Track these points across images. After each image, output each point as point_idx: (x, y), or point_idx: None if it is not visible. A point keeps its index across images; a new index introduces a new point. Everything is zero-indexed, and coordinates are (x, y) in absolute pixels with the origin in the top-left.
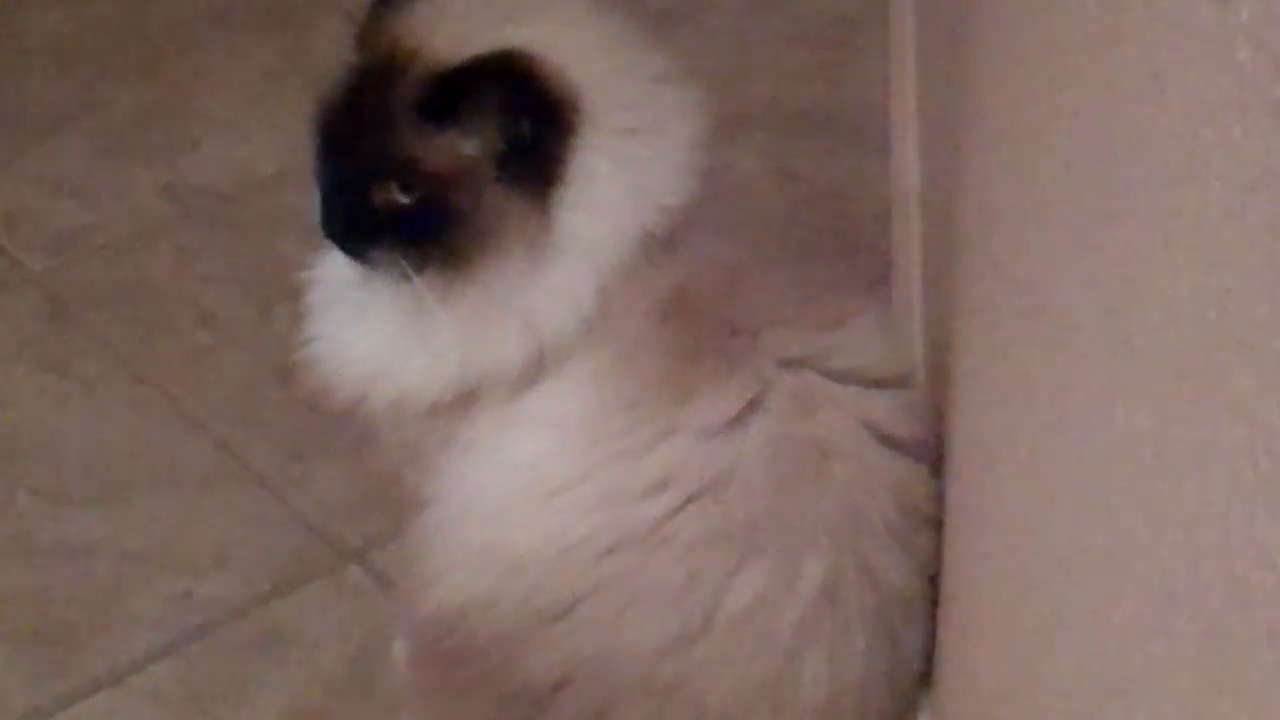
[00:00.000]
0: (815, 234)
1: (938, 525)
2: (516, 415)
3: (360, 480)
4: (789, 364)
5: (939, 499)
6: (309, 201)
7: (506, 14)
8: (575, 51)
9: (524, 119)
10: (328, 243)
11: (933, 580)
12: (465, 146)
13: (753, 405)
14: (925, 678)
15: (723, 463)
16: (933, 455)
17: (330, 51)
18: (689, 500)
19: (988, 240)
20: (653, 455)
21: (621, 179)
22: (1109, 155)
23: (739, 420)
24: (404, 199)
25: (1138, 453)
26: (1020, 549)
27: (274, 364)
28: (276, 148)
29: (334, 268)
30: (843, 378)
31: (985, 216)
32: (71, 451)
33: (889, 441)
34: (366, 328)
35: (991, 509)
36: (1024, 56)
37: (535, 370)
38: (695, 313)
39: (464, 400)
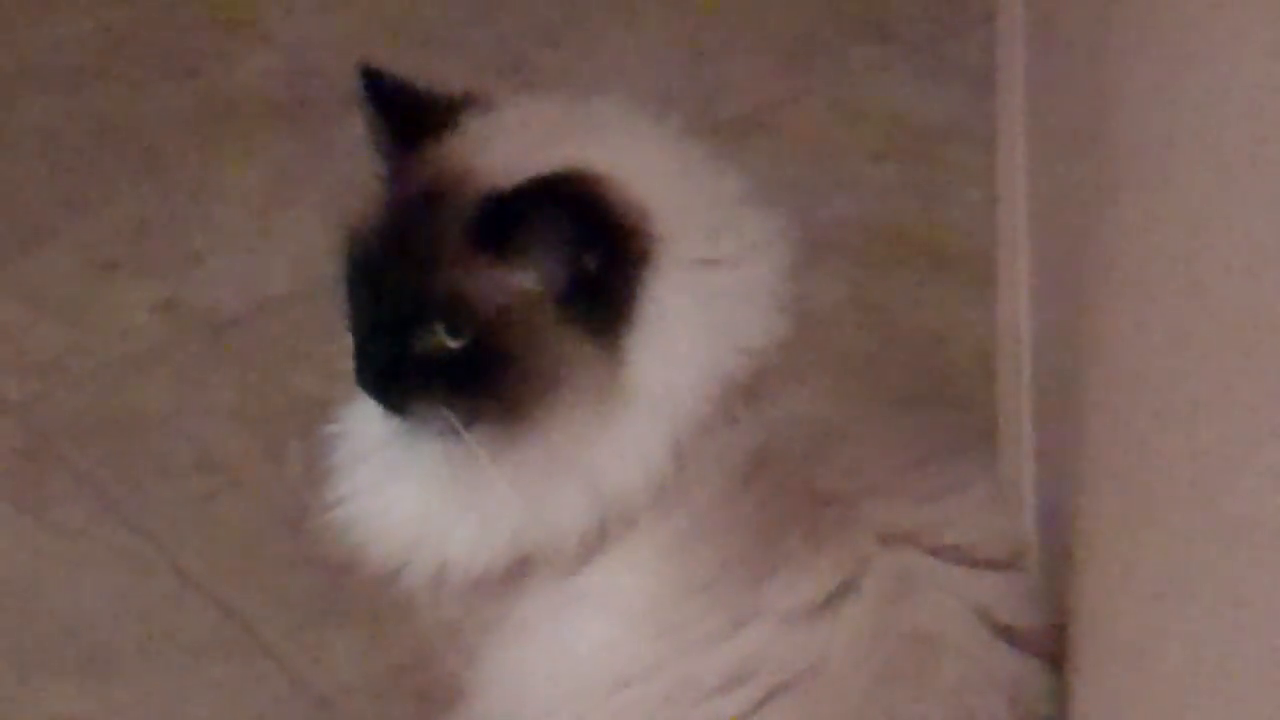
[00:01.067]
0: (906, 381)
1: None
2: (574, 595)
3: (384, 653)
4: (889, 540)
5: (1057, 700)
6: (327, 326)
7: (568, 131)
8: (645, 171)
9: (590, 249)
10: (358, 392)
11: None
12: (522, 281)
13: (846, 587)
14: None
15: (810, 654)
16: (1051, 649)
17: (355, 155)
18: (770, 696)
19: (1127, 407)
20: (729, 644)
21: (701, 318)
22: None
23: (830, 604)
24: (452, 343)
25: None
26: None
27: (285, 514)
28: (290, 263)
29: (365, 420)
30: (951, 557)
31: (1123, 376)
32: (49, 611)
33: (1003, 633)
34: (405, 489)
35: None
36: (1194, 182)
37: (597, 540)
38: (780, 477)
39: (515, 574)
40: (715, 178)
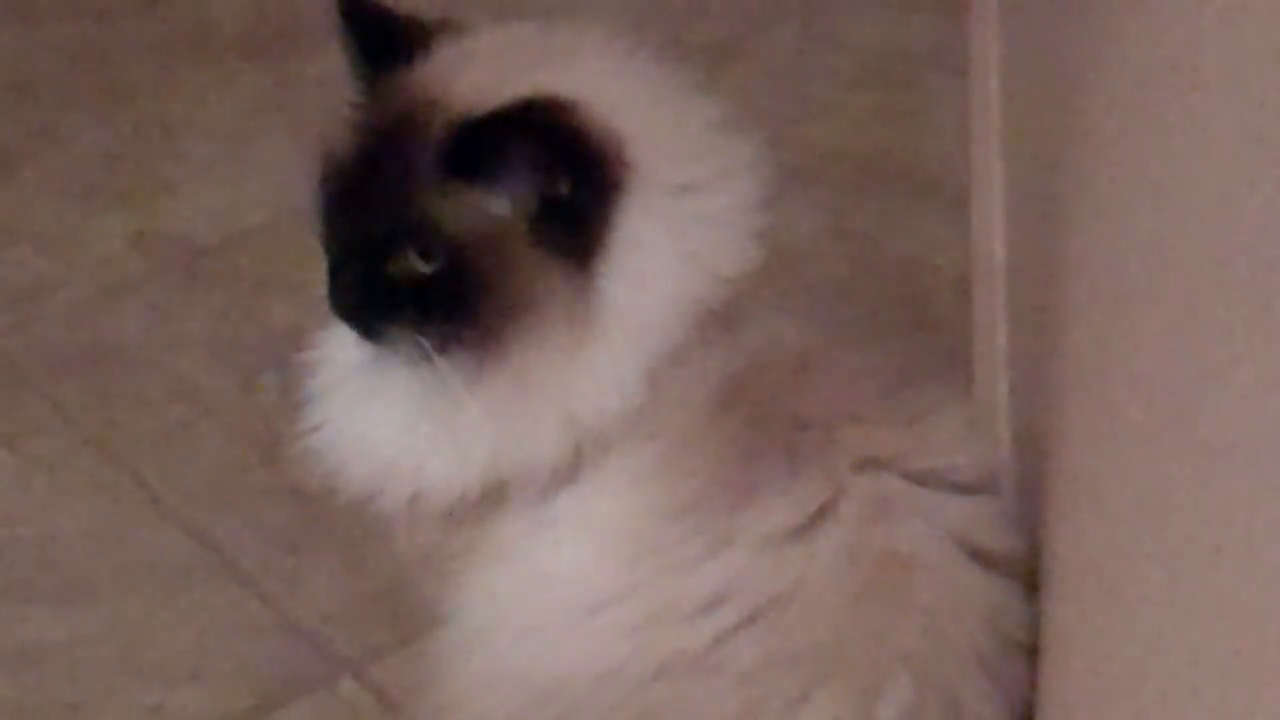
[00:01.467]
0: (884, 307)
1: (1032, 654)
2: (551, 519)
3: (360, 580)
4: (865, 465)
5: (1034, 624)
6: (300, 255)
7: (541, 58)
8: (620, 97)
9: (562, 175)
10: (332, 319)
11: (1026, 717)
12: (494, 207)
13: (823, 512)
14: None
15: (787, 577)
16: (1027, 572)
17: (328, 83)
18: (748, 620)
19: (1104, 328)
20: (706, 568)
21: (675, 244)
22: None
23: (807, 529)
24: (424, 268)
25: None
26: (1144, 692)
27: (260, 443)
28: (264, 193)
29: (339, 347)
30: (927, 481)
31: (1100, 297)
32: (25, 541)
33: (980, 556)
34: (380, 415)
35: (1106, 641)
36: (1169, 101)
37: (572, 466)
38: (757, 403)
39: (491, 499)
40: (690, 104)
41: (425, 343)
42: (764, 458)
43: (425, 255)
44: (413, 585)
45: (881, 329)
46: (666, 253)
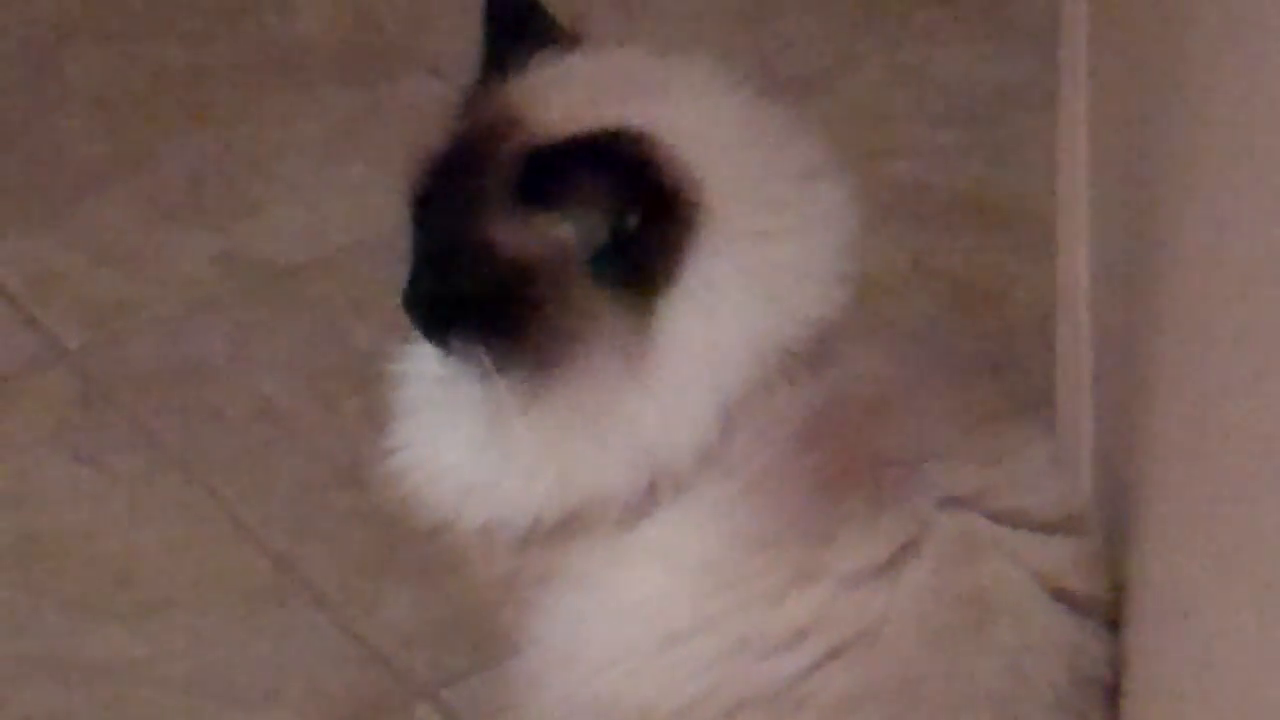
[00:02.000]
0: (967, 345)
1: (1113, 694)
2: (631, 549)
3: (437, 605)
4: (949, 503)
5: (1116, 664)
6: (388, 279)
7: (631, 88)
8: (705, 136)
9: (631, 209)
10: (415, 332)
11: None
12: (558, 234)
13: (906, 550)
14: None
15: (870, 615)
16: (1109, 613)
17: (415, 107)
18: (829, 656)
19: (1193, 366)
20: (789, 603)
21: (749, 288)
22: None
23: (890, 566)
24: (483, 286)
25: None
26: None
27: (341, 465)
28: (350, 215)
29: (423, 362)
30: (1010, 520)
31: (1189, 336)
32: (106, 558)
33: (1062, 596)
34: (455, 438)
35: (1189, 684)
36: (1265, 137)
37: (648, 500)
38: (840, 440)
39: (566, 528)
40: (780, 147)
41: (487, 357)
42: (847, 494)
43: (485, 274)
44: (490, 611)
45: (966, 366)
46: (740, 295)
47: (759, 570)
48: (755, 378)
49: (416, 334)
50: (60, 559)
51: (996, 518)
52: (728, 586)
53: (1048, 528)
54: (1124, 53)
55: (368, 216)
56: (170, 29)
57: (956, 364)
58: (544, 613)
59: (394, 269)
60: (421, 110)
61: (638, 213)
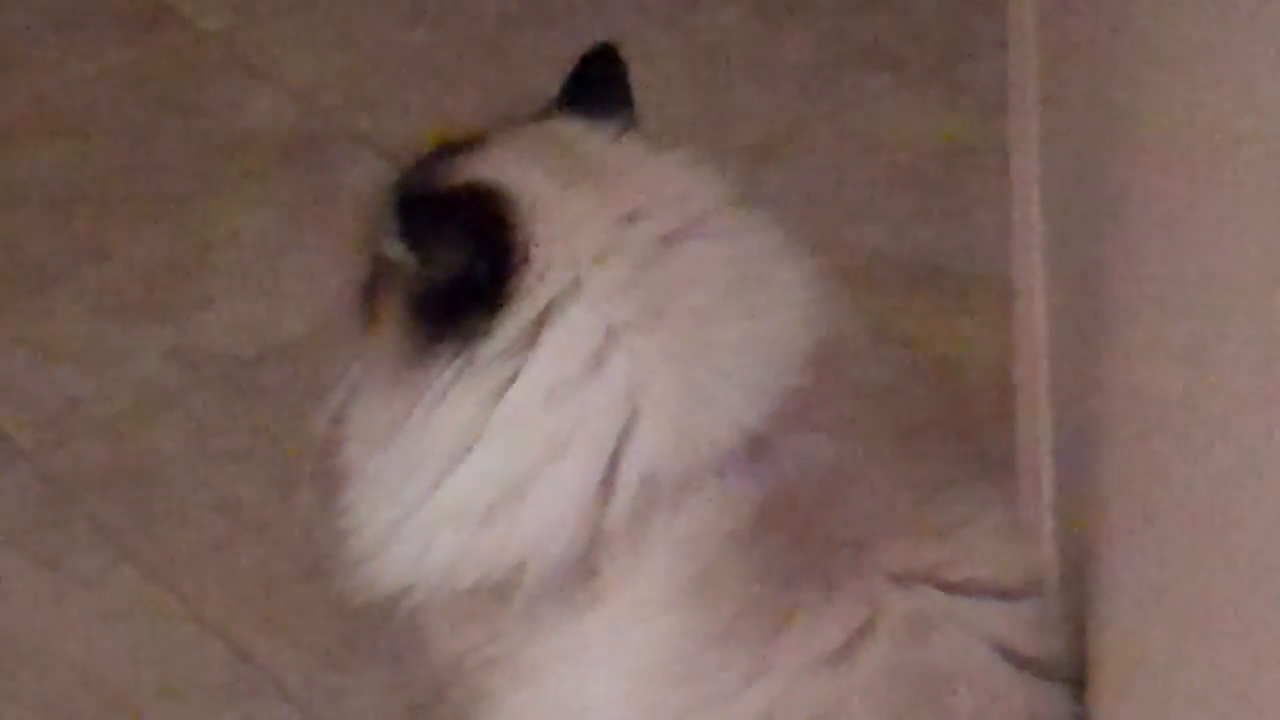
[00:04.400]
0: (925, 410)
1: None
2: (583, 641)
3: (404, 694)
4: (902, 579)
5: None
6: (339, 366)
7: (537, 152)
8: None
9: (478, 260)
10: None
11: None
12: (409, 264)
13: (861, 632)
14: None
15: (829, 702)
16: (1070, 674)
17: (364, 192)
18: None
19: (1146, 429)
20: (746, 697)
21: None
22: None
23: (845, 651)
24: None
25: None
26: None
27: (302, 557)
28: (304, 303)
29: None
30: (965, 590)
31: (1143, 398)
32: (67, 659)
33: (1020, 662)
34: (381, 500)
35: None
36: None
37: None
38: (790, 527)
39: (490, 600)
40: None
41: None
42: (799, 581)
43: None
44: (446, 698)
45: (922, 433)
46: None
47: (712, 668)
48: (676, 472)
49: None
50: (20, 663)
51: (950, 590)
52: (684, 683)
53: (1003, 594)
54: (1074, 111)
55: (321, 304)
56: (119, 122)
57: (912, 432)
58: (499, 708)
59: (345, 355)
60: (372, 194)
61: (483, 264)
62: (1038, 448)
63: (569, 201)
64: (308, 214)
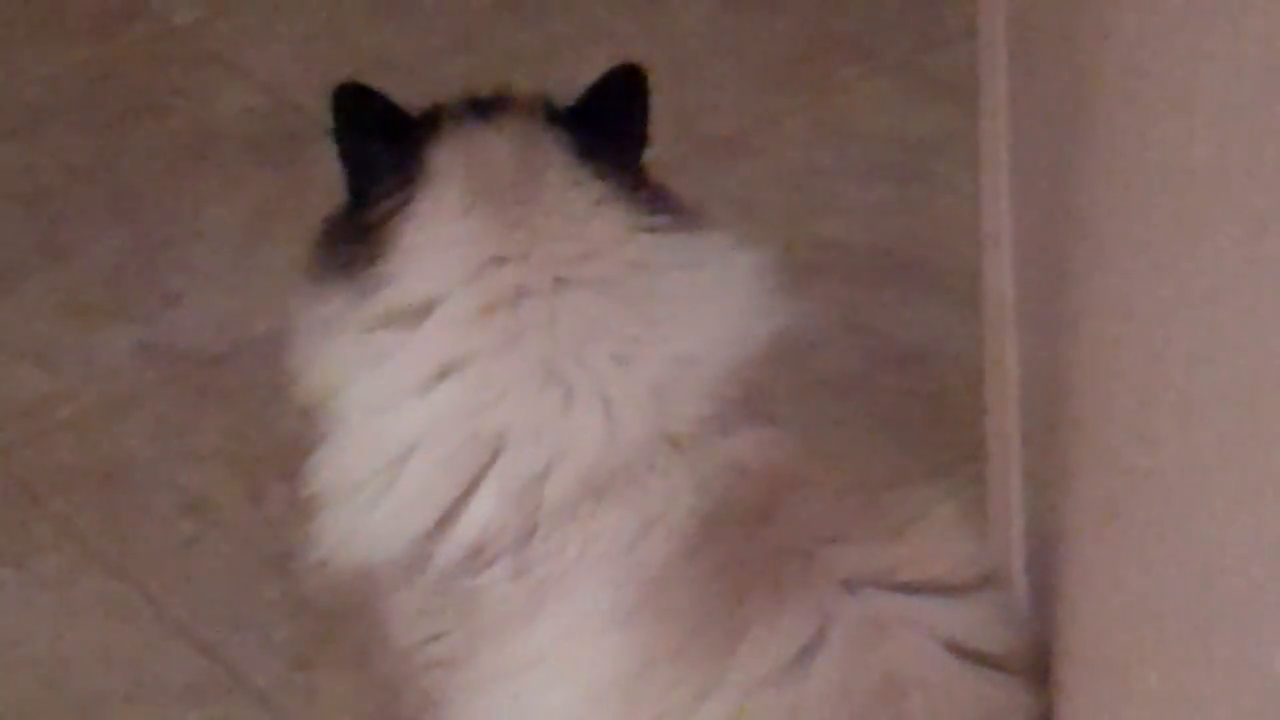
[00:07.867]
0: (892, 401)
1: None
2: (536, 657)
3: (373, 694)
4: (853, 585)
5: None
6: None
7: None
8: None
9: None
10: None
11: None
12: None
13: (813, 642)
14: None
15: (784, 714)
16: (1029, 664)
17: (333, 185)
18: None
19: (1108, 424)
20: (700, 715)
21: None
22: None
23: (799, 661)
24: None
25: None
26: None
27: (270, 555)
28: (271, 300)
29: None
30: (917, 590)
31: (1105, 395)
32: (33, 661)
33: (975, 659)
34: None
35: None
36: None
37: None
38: (736, 537)
39: (415, 564)
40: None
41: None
42: (747, 594)
43: None
44: (403, 698)
45: (889, 424)
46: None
47: (666, 686)
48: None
49: None
50: None
51: (902, 590)
52: (637, 703)
53: (956, 591)
54: (1043, 103)
55: (288, 301)
56: (86, 119)
57: (876, 421)
58: (456, 716)
59: None
60: (337, 189)
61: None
62: (1007, 438)
63: (457, 222)
64: (277, 209)
